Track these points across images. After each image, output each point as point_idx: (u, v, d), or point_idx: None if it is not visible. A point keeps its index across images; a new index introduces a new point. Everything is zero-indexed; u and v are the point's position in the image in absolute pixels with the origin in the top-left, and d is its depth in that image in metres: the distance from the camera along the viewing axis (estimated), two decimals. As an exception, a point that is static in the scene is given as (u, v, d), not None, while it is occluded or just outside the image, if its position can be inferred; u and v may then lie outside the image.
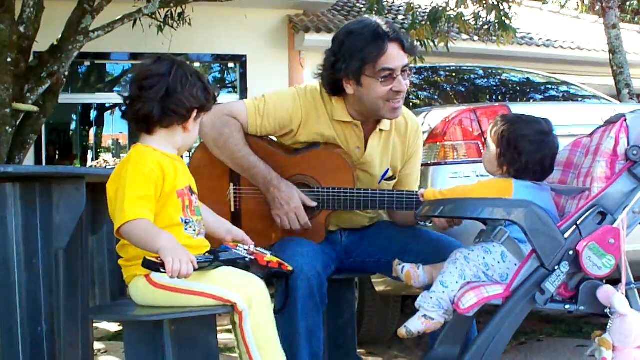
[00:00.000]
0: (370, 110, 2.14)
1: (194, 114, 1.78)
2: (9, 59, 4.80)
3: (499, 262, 1.84)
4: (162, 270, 1.57)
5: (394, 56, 2.07)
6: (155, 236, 1.62)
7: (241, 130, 2.15)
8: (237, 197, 2.20)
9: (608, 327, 1.69)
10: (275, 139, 2.27)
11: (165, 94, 1.72)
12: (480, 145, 2.64)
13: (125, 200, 1.64)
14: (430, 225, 2.24)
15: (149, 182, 1.68)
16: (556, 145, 1.96)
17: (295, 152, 2.21)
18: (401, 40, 2.10)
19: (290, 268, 1.88)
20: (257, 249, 1.84)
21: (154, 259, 1.59)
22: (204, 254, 1.73)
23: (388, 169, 2.28)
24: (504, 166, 1.94)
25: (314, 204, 2.14)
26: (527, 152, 1.90)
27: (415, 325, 1.85)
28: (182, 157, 1.87)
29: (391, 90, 2.09)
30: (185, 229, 1.76)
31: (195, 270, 1.61)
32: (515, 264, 1.81)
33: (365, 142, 2.23)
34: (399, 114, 2.17)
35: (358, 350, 2.54)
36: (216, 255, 1.72)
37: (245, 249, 1.81)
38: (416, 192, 2.14)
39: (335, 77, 2.13)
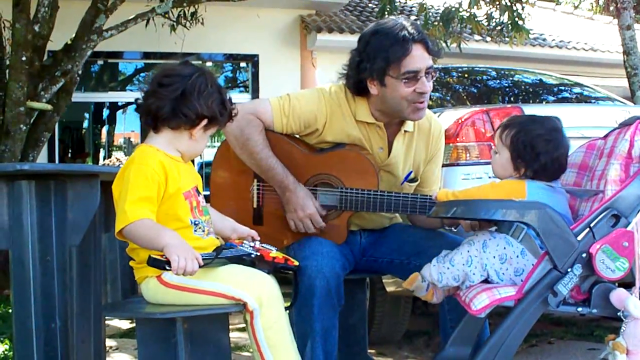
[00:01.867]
0: (394, 110, 2.14)
1: (204, 122, 1.76)
2: (23, 58, 4.85)
3: (517, 257, 1.83)
4: (167, 267, 1.58)
5: (418, 57, 2.07)
6: (159, 234, 1.63)
7: (263, 130, 2.15)
8: (260, 194, 2.20)
9: (622, 330, 1.68)
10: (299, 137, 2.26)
11: (180, 95, 1.72)
12: (493, 147, 2.63)
13: (127, 202, 1.65)
14: (456, 231, 2.22)
15: (151, 184, 1.68)
16: (568, 142, 1.94)
17: (319, 152, 2.20)
18: (426, 42, 2.09)
19: (296, 263, 1.85)
20: (263, 245, 1.83)
21: (159, 257, 1.60)
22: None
23: (411, 171, 2.27)
24: (520, 169, 1.92)
25: (324, 212, 2.13)
26: (545, 151, 1.88)
27: (427, 270, 1.92)
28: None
29: (414, 91, 2.08)
30: (195, 231, 1.76)
31: (200, 267, 1.61)
32: (532, 264, 1.80)
33: (389, 144, 2.22)
34: (422, 115, 2.16)
35: (368, 351, 2.54)
36: (220, 252, 1.72)
37: (250, 246, 1.80)
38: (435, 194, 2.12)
39: (360, 77, 2.12)
